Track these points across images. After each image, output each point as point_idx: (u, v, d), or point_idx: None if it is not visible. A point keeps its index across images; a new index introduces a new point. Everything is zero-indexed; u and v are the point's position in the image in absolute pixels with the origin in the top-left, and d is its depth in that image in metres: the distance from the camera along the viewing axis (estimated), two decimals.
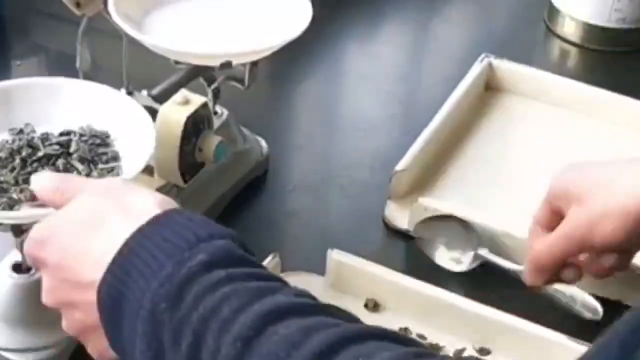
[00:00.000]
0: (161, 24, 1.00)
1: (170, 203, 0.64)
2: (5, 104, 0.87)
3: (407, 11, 1.42)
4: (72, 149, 0.84)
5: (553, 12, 1.38)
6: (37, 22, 1.34)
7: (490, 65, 1.20)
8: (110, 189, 0.66)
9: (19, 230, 0.81)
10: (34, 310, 0.85)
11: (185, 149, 0.90)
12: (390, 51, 1.35)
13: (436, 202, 1.00)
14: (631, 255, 0.82)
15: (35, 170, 0.82)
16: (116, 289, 0.60)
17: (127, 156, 0.85)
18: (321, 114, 1.24)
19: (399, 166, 1.03)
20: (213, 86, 1.00)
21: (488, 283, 0.96)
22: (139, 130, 0.84)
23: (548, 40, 1.38)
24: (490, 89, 1.21)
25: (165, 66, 0.98)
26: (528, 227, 0.86)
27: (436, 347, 0.89)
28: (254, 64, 0.99)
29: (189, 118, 0.89)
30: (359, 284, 0.93)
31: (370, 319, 0.89)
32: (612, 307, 0.93)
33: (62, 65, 1.16)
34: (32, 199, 0.80)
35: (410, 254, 1.01)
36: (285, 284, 0.60)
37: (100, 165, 0.84)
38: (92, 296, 0.61)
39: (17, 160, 0.83)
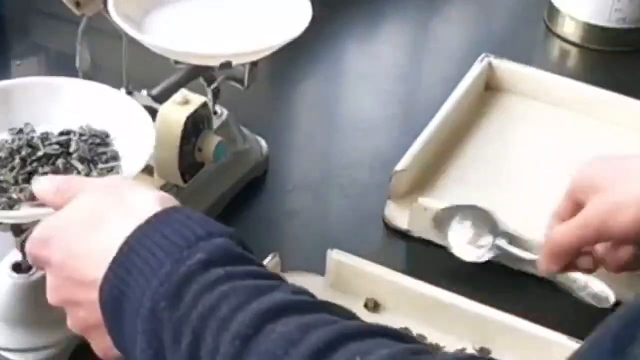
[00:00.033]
0: (161, 24, 1.00)
1: (171, 201, 0.64)
2: (5, 104, 0.87)
3: (407, 11, 1.42)
4: (72, 149, 0.84)
5: (553, 12, 1.37)
6: (37, 22, 1.34)
7: (490, 65, 1.20)
8: (110, 188, 0.66)
9: (19, 230, 0.81)
10: (34, 310, 0.85)
11: (185, 149, 0.90)
12: (390, 51, 1.35)
13: (436, 202, 1.00)
14: None
15: (36, 170, 0.82)
16: (117, 287, 0.60)
17: (127, 156, 0.85)
18: (321, 114, 1.24)
19: (399, 166, 1.03)
20: (213, 86, 1.00)
21: (488, 283, 0.96)
22: (138, 130, 0.84)
23: (548, 40, 1.38)
24: (490, 89, 1.21)
25: (165, 66, 0.98)
26: (546, 224, 0.86)
27: (436, 347, 0.89)
28: (254, 64, 0.99)
29: (189, 118, 0.89)
30: (359, 284, 0.93)
31: (370, 319, 0.87)
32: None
33: (62, 65, 1.16)
34: (32, 198, 0.80)
35: (410, 254, 1.01)
36: (284, 282, 0.60)
37: (100, 165, 0.84)
38: (94, 295, 0.61)
39: (17, 160, 0.83)
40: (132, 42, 0.95)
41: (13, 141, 0.85)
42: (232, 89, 1.01)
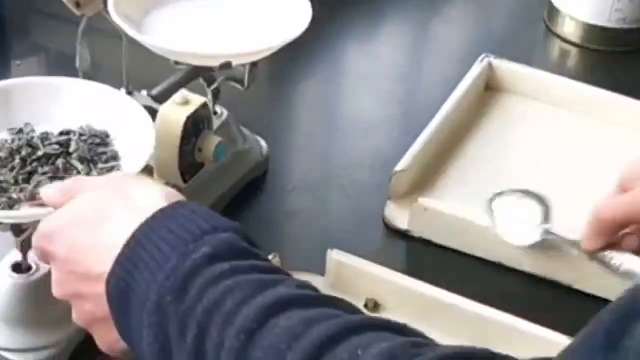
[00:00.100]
0: (161, 25, 1.00)
1: (176, 195, 0.64)
2: (5, 104, 0.87)
3: (407, 11, 1.42)
4: (71, 149, 0.84)
5: (553, 12, 1.37)
6: (37, 22, 1.34)
7: (490, 65, 1.20)
8: (115, 183, 0.67)
9: (19, 230, 0.81)
10: (34, 310, 0.85)
11: (185, 149, 0.90)
12: (390, 51, 1.35)
13: (436, 202, 1.00)
14: None
15: (35, 170, 0.82)
16: (124, 281, 0.60)
17: (126, 156, 0.85)
18: (321, 114, 1.24)
19: (399, 166, 1.03)
20: (213, 87, 1.00)
21: (488, 283, 0.97)
22: (138, 130, 0.84)
23: (548, 41, 1.38)
24: (490, 89, 1.21)
25: (165, 66, 0.98)
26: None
27: None
28: (254, 64, 0.99)
29: (188, 118, 0.89)
30: (359, 284, 0.93)
31: None
32: None
33: (62, 65, 1.16)
34: (32, 198, 0.80)
35: (410, 254, 1.01)
36: (288, 276, 0.61)
37: (100, 165, 0.84)
38: (101, 288, 0.62)
39: (17, 160, 0.83)
40: (132, 42, 0.95)
41: (13, 141, 0.85)
42: (232, 89, 1.01)
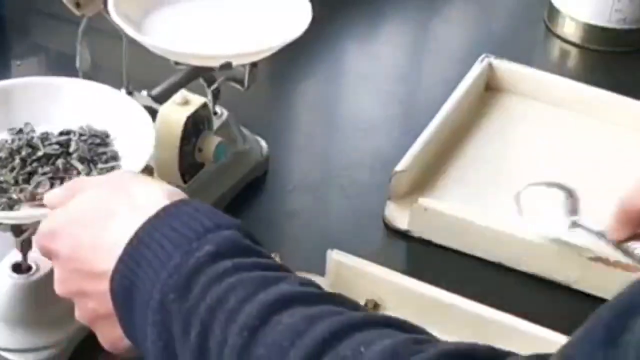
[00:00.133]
0: (161, 25, 1.00)
1: (177, 193, 0.65)
2: (5, 104, 0.87)
3: (407, 11, 1.42)
4: (71, 149, 0.84)
5: (553, 12, 1.37)
6: (37, 22, 1.34)
7: (490, 65, 1.20)
8: (116, 181, 0.67)
9: (19, 231, 0.81)
10: (34, 310, 0.85)
11: (185, 150, 0.90)
12: (390, 51, 1.35)
13: (436, 202, 1.00)
14: None
15: (35, 171, 0.82)
16: (127, 278, 0.60)
17: (126, 156, 0.85)
18: (321, 114, 1.24)
19: (399, 166, 1.03)
20: (213, 87, 1.00)
21: (489, 283, 0.96)
22: (138, 130, 0.84)
23: (548, 41, 1.38)
24: (490, 89, 1.21)
25: (165, 66, 0.98)
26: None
27: None
28: (254, 64, 0.99)
29: (188, 118, 0.89)
30: (359, 284, 0.93)
31: None
32: None
33: (62, 65, 1.16)
34: (32, 199, 0.80)
35: (410, 254, 1.01)
36: (290, 273, 0.61)
37: (100, 165, 0.84)
38: (104, 286, 0.62)
39: (17, 160, 0.83)
40: (132, 42, 0.95)
41: (13, 141, 0.85)
42: (232, 89, 1.01)
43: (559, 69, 1.29)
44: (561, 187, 0.96)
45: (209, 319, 0.57)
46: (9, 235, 0.82)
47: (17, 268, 0.85)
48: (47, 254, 0.67)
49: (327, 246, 0.94)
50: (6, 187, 0.81)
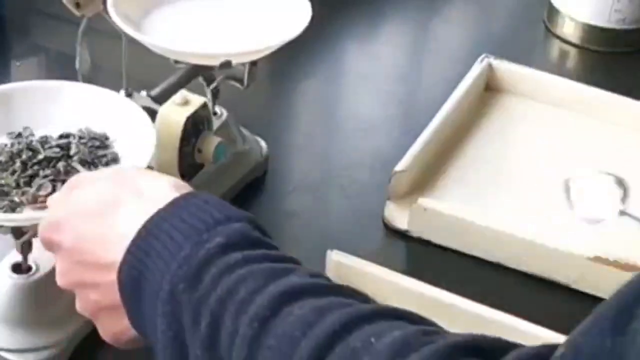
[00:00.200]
0: (161, 24, 1.00)
1: (184, 186, 0.65)
2: (3, 107, 0.87)
3: (407, 11, 1.42)
4: (72, 152, 0.84)
5: (553, 12, 1.37)
6: (37, 22, 1.34)
7: (490, 65, 1.20)
8: (123, 174, 0.67)
9: (19, 233, 0.81)
10: (33, 310, 0.85)
11: (185, 150, 0.90)
12: (390, 51, 1.35)
13: (436, 202, 1.00)
14: None
15: (36, 173, 0.82)
16: (136, 269, 0.60)
17: (127, 158, 0.85)
18: (321, 114, 1.24)
19: (399, 167, 1.03)
20: (212, 86, 1.00)
21: (489, 283, 0.96)
22: (138, 132, 0.84)
23: (548, 41, 1.38)
24: (490, 89, 1.21)
25: (164, 66, 0.98)
26: None
27: None
28: (254, 63, 0.99)
29: (188, 119, 0.89)
30: (359, 285, 0.92)
31: None
32: None
33: (62, 65, 1.16)
34: (34, 201, 0.80)
35: (410, 254, 1.01)
36: (300, 265, 0.61)
37: (101, 167, 0.84)
38: (111, 277, 0.62)
39: (18, 164, 0.83)
40: (132, 42, 0.95)
41: (12, 145, 0.85)
42: (232, 89, 1.01)
43: (559, 70, 1.29)
44: (610, 176, 0.97)
45: (219, 309, 0.57)
46: (9, 237, 0.82)
47: (17, 268, 0.85)
48: (50, 245, 0.67)
49: (327, 246, 0.94)
50: (7, 190, 0.81)
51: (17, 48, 1.30)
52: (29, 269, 0.85)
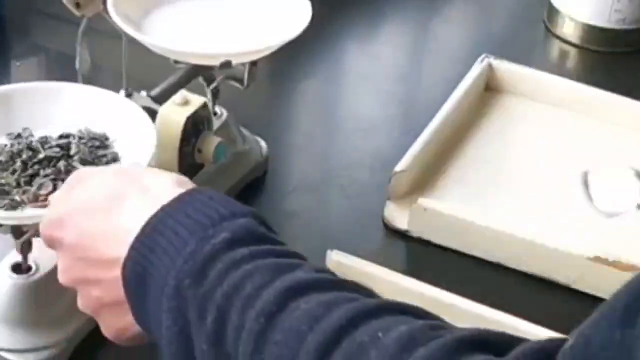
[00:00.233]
0: (161, 24, 1.00)
1: (187, 182, 0.65)
2: (3, 108, 0.87)
3: (407, 11, 1.42)
4: (72, 151, 0.84)
5: (553, 12, 1.37)
6: (37, 22, 1.34)
7: (490, 65, 1.20)
8: (125, 171, 0.67)
9: (19, 232, 0.81)
10: (33, 310, 0.85)
11: (185, 150, 0.90)
12: (390, 51, 1.35)
13: (436, 203, 1.00)
14: None
15: (37, 173, 0.82)
16: (140, 265, 0.60)
17: (127, 158, 0.85)
18: (321, 114, 1.24)
19: (399, 167, 1.03)
20: (212, 86, 1.00)
21: (489, 283, 0.96)
22: (138, 132, 0.84)
23: (548, 41, 1.38)
24: (490, 89, 1.21)
25: (164, 66, 0.98)
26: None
27: None
28: (254, 63, 0.99)
29: (188, 119, 0.89)
30: None
31: None
32: None
33: (62, 65, 1.16)
34: (35, 200, 0.80)
35: (409, 254, 1.01)
36: (305, 260, 0.61)
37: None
38: (114, 273, 0.62)
39: (18, 163, 0.83)
40: (132, 42, 0.95)
41: (12, 145, 0.84)
42: (232, 89, 1.01)
43: (559, 70, 1.29)
44: (629, 169, 0.96)
45: (225, 305, 0.57)
46: (9, 237, 0.82)
47: (17, 268, 0.85)
48: (52, 242, 0.67)
49: (327, 246, 0.94)
50: (8, 190, 0.81)
51: (17, 48, 1.30)
52: (29, 269, 0.85)
